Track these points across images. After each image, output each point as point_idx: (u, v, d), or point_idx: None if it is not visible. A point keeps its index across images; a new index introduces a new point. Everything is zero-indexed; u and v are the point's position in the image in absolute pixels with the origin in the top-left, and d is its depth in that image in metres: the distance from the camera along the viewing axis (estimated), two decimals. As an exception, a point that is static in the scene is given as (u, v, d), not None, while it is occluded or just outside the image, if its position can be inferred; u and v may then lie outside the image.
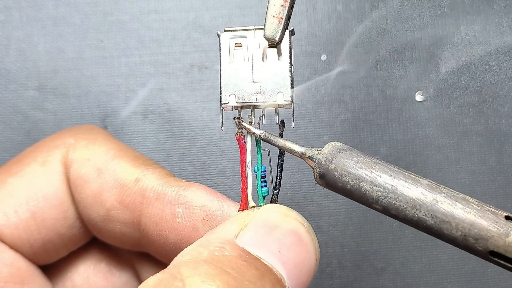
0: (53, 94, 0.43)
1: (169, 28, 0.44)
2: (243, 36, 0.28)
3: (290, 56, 0.28)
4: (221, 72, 0.28)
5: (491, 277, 0.41)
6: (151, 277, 0.24)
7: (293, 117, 0.28)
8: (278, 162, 0.29)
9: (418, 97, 0.43)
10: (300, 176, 0.42)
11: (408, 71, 0.44)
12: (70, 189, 0.32)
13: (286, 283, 0.25)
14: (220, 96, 0.28)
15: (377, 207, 0.24)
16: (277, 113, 0.28)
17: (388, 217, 0.41)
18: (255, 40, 0.28)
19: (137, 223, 0.31)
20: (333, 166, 0.25)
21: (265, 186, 0.28)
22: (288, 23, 0.27)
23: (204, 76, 0.44)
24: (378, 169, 0.24)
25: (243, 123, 0.28)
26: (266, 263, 0.25)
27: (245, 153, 0.28)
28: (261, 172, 0.28)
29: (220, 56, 0.28)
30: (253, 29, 0.28)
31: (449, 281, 0.41)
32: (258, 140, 0.28)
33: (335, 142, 0.26)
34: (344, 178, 0.24)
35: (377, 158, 0.25)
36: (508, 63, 0.44)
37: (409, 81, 0.43)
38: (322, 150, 0.26)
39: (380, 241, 0.42)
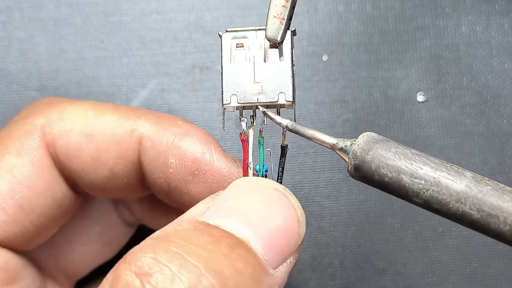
0: (55, 94, 0.43)
1: (170, 29, 0.44)
2: (245, 37, 0.28)
3: (292, 57, 0.28)
4: (223, 72, 0.28)
5: (493, 278, 0.41)
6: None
7: (295, 117, 0.28)
8: (279, 162, 0.28)
9: (420, 98, 0.43)
10: (301, 177, 0.42)
11: (410, 72, 0.43)
12: (58, 167, 0.31)
13: (253, 245, 0.24)
14: (222, 97, 0.28)
15: (417, 200, 0.23)
16: (278, 113, 0.28)
17: (389, 218, 0.41)
18: (256, 41, 0.28)
19: (141, 173, 0.31)
20: (369, 158, 0.23)
21: (267, 186, 0.28)
22: (290, 24, 0.27)
23: (205, 77, 0.43)
24: (419, 160, 0.23)
25: (268, 113, 0.27)
26: (225, 229, 0.24)
27: (248, 153, 0.28)
28: (263, 172, 0.28)
29: (221, 56, 0.28)
30: (254, 30, 0.28)
31: (451, 282, 0.41)
32: (260, 140, 0.28)
33: (370, 133, 0.24)
34: (382, 170, 0.23)
35: (416, 150, 0.24)
36: (509, 63, 0.44)
37: (411, 81, 0.43)
38: (356, 140, 0.24)
39: (382, 241, 0.42)
